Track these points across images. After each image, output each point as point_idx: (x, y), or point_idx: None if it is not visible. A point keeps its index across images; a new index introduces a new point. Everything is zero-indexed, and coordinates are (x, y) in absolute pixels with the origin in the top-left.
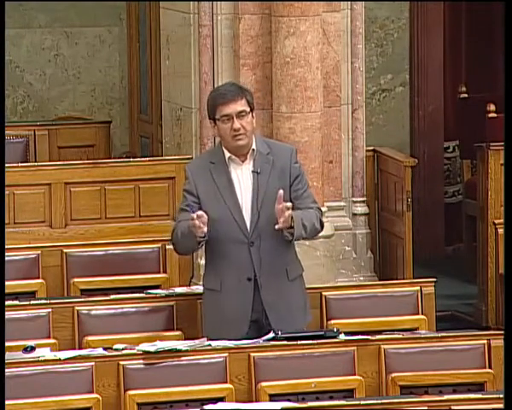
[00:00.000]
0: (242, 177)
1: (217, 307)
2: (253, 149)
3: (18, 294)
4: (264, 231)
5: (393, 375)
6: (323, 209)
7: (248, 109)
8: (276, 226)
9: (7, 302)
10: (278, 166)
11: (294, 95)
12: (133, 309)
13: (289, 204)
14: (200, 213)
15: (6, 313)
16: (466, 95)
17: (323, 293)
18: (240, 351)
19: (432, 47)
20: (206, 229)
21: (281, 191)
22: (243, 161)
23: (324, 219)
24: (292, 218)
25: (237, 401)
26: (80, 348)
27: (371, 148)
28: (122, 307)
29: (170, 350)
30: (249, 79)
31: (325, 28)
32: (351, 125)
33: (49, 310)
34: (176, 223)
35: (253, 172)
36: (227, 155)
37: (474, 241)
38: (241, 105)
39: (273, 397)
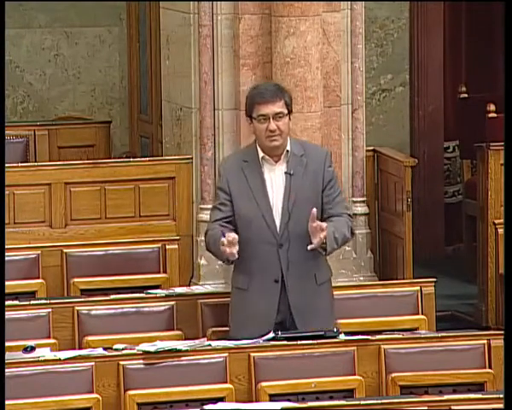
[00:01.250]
0: (275, 178)
1: (243, 306)
2: (287, 151)
3: (18, 294)
4: (294, 234)
5: (393, 375)
6: None
7: (286, 111)
8: (309, 247)
9: (7, 302)
10: (311, 168)
11: (294, 95)
12: (133, 309)
13: (324, 225)
14: (231, 237)
15: (6, 313)
16: (466, 95)
17: None
18: (240, 351)
19: (432, 47)
20: (235, 251)
21: (314, 210)
22: (276, 162)
23: None
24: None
25: (237, 401)
26: (80, 348)
27: (371, 148)
28: (122, 307)
29: (170, 350)
30: (249, 79)
31: (325, 28)
32: (351, 125)
33: (49, 310)
34: (209, 224)
35: (285, 173)
36: (260, 154)
37: (474, 241)
38: (278, 106)
39: (273, 397)
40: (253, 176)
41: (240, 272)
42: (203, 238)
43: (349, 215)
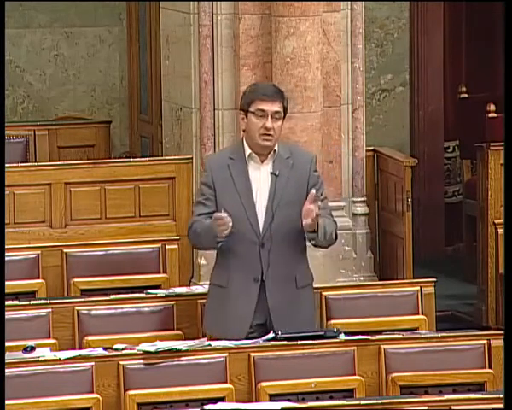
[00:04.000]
0: (260, 177)
1: (221, 303)
2: (274, 151)
3: (18, 294)
4: (277, 234)
5: (393, 375)
6: None
7: (283, 114)
8: (304, 222)
9: (7, 302)
10: (297, 171)
11: (294, 95)
12: (133, 309)
13: (318, 211)
14: (225, 214)
15: (6, 313)
16: (466, 95)
17: (323, 293)
18: (240, 351)
19: (432, 47)
20: (228, 231)
21: (313, 191)
22: (263, 161)
23: None
24: (317, 223)
25: (237, 401)
26: (80, 348)
27: (371, 148)
28: (122, 307)
29: (170, 350)
30: (249, 79)
31: (325, 28)
32: (351, 125)
33: (49, 310)
34: (193, 217)
35: (271, 173)
36: (247, 151)
37: (474, 241)
38: (278, 107)
39: (273, 397)
40: (238, 173)
41: (220, 269)
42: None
43: (334, 222)
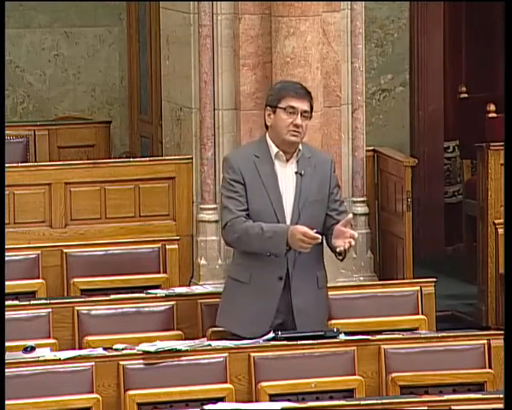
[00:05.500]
0: (286, 176)
1: (241, 300)
2: (299, 150)
3: (18, 294)
4: None
5: (393, 375)
6: None
7: (310, 114)
8: (338, 249)
9: (7, 302)
10: (319, 172)
11: None
12: (133, 309)
13: (355, 235)
14: (319, 237)
15: (6, 313)
16: (466, 95)
17: None
18: (240, 351)
19: (432, 47)
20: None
21: (350, 215)
22: (288, 160)
23: None
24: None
25: (237, 401)
26: (80, 348)
27: (371, 148)
28: (122, 307)
29: (170, 350)
30: (249, 79)
31: (325, 28)
32: (351, 125)
33: (49, 310)
34: (230, 214)
35: (296, 173)
36: (274, 150)
37: (474, 241)
38: (307, 106)
39: (273, 397)
40: (265, 171)
41: (242, 264)
42: (203, 238)
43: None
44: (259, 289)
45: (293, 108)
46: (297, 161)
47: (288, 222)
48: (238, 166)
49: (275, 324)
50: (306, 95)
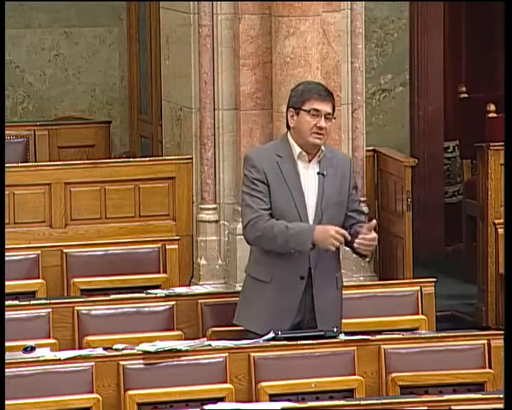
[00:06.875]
0: (308, 176)
1: (262, 298)
2: (321, 151)
3: (18, 294)
4: None
5: (393, 375)
6: None
7: (332, 116)
8: (357, 244)
9: (7, 302)
10: (340, 172)
11: None
12: (133, 309)
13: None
14: (348, 235)
15: (6, 313)
16: (466, 95)
17: None
18: (240, 351)
19: (432, 47)
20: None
21: (374, 221)
22: (310, 160)
23: None
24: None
25: (237, 401)
26: (80, 348)
27: (371, 148)
28: (122, 307)
29: (170, 350)
30: (249, 79)
31: (325, 28)
32: (351, 125)
33: (49, 310)
34: (253, 213)
35: (318, 173)
36: (297, 150)
37: (474, 241)
38: (330, 108)
39: (273, 397)
40: (288, 171)
41: (263, 263)
42: (203, 238)
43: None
44: (281, 288)
45: (316, 110)
46: (319, 162)
47: (311, 222)
48: (261, 165)
49: (294, 322)
50: (329, 96)
